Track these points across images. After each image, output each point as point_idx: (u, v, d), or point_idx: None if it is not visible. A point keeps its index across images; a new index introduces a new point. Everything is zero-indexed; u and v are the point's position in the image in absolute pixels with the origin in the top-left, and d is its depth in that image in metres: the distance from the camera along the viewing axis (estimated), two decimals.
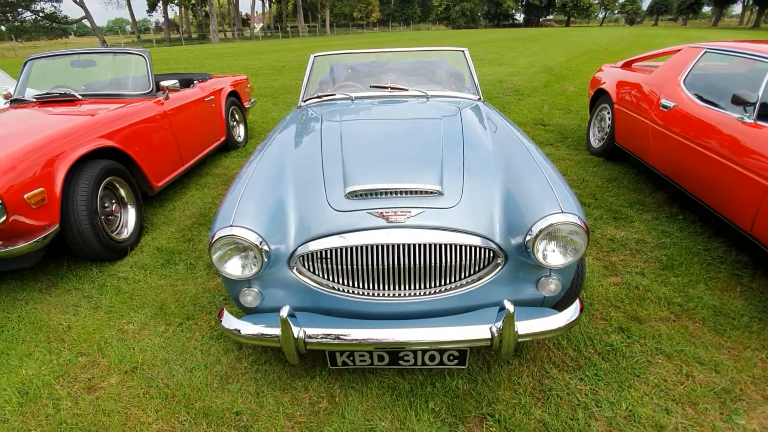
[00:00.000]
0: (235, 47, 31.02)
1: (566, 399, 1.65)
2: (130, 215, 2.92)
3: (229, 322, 1.60)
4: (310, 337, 1.49)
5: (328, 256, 1.57)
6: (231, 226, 1.51)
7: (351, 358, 1.62)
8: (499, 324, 1.44)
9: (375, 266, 1.54)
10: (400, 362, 1.61)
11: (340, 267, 1.57)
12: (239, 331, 1.57)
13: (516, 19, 78.50)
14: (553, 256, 1.50)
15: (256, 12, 67.90)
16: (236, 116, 5.05)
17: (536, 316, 1.54)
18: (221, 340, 1.99)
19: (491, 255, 1.58)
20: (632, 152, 3.50)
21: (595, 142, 4.34)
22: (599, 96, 4.16)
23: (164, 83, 3.41)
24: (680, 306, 2.13)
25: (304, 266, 1.62)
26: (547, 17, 77.57)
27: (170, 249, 2.83)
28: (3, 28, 41.98)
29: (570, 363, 1.82)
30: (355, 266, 1.55)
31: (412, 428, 1.55)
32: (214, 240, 1.50)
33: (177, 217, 3.33)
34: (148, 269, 2.61)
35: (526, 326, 1.49)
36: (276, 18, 69.35)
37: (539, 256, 1.48)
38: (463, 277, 1.59)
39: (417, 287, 1.59)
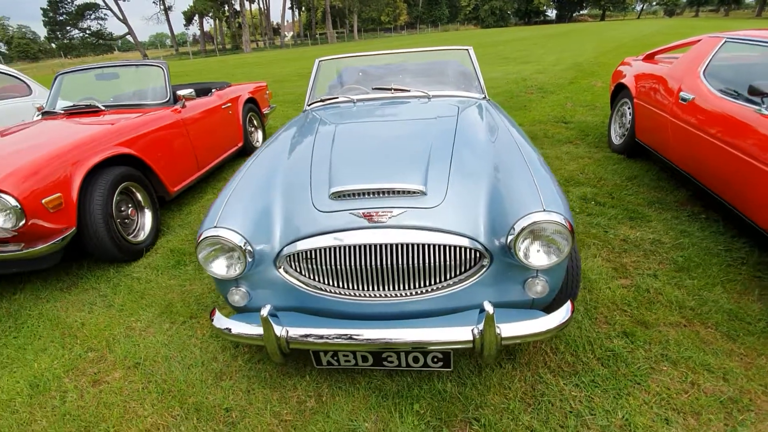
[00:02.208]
0: (265, 56, 31.96)
1: (558, 405, 1.59)
2: (147, 218, 3.07)
3: (220, 321, 1.64)
4: (292, 336, 1.51)
5: (312, 256, 1.58)
6: (215, 227, 1.56)
7: (335, 358, 1.62)
8: (481, 326, 1.41)
9: (357, 266, 1.54)
10: (384, 363, 1.60)
11: (324, 267, 1.58)
12: (229, 330, 1.61)
13: (548, 16, 76.39)
14: (536, 256, 1.45)
15: (287, 21, 69.73)
16: (254, 122, 5.19)
17: (522, 319, 1.50)
18: (219, 339, 2.05)
19: (476, 255, 1.54)
20: (653, 148, 3.33)
21: (616, 139, 4.16)
22: (620, 90, 3.99)
23: (180, 92, 3.56)
24: (693, 310, 2.00)
25: (291, 266, 1.64)
26: (581, 12, 74.93)
27: (182, 251, 2.94)
28: (54, 45, 45.20)
29: (566, 368, 1.75)
30: (338, 266, 1.56)
31: (395, 430, 1.54)
32: (200, 240, 1.55)
33: (192, 220, 3.46)
34: (160, 270, 2.72)
35: (510, 329, 1.45)
36: (305, 26, 70.95)
37: (521, 255, 1.44)
38: (447, 278, 1.57)
39: (400, 288, 1.57)
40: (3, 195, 2.10)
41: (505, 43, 21.85)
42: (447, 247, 1.52)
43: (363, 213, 1.56)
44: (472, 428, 1.53)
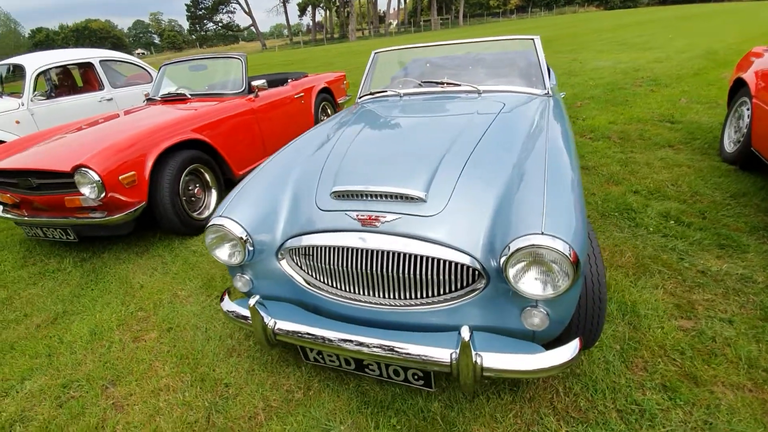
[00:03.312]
0: (367, 44, 32.82)
1: None
2: (213, 197, 3.40)
3: (226, 303, 1.76)
4: (279, 329, 1.56)
5: (308, 253, 1.60)
6: (221, 216, 1.65)
7: (321, 357, 1.63)
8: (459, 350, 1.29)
9: (348, 269, 1.52)
10: (366, 370, 1.57)
11: (319, 265, 1.59)
12: (230, 313, 1.72)
13: None
14: (529, 283, 1.27)
15: (393, 9, 70.51)
16: (328, 111, 5.39)
17: (513, 351, 1.34)
18: None
19: (472, 273, 1.41)
20: None
21: (729, 146, 3.42)
22: (739, 87, 3.25)
23: (254, 83, 3.84)
24: (767, 372, 1.58)
25: (293, 260, 1.68)
26: None
27: None
28: (194, 37, 52.09)
29: (575, 414, 1.52)
30: (331, 266, 1.56)
31: None
32: (206, 227, 1.67)
33: None
34: None
35: (493, 360, 1.31)
36: (411, 13, 70.97)
37: (511, 279, 1.27)
38: (438, 293, 1.46)
39: (389, 296, 1.51)
40: (89, 171, 2.50)
41: (628, 27, 19.28)
42: (437, 261, 1.41)
43: (357, 215, 1.53)
44: None
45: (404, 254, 1.44)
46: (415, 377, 1.49)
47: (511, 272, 1.27)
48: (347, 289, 1.57)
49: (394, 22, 73.47)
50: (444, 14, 65.47)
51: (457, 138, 1.85)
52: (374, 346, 1.41)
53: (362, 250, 1.48)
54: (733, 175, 3.17)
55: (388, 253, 1.45)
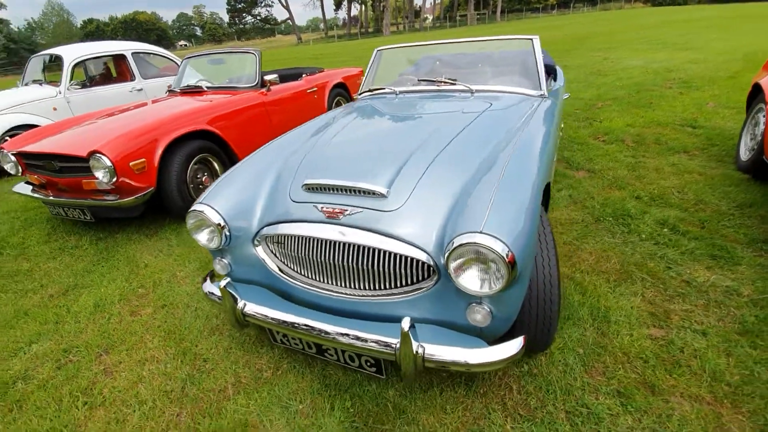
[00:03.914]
0: (399, 39, 32.74)
1: None
2: None
3: (206, 285, 1.90)
4: (248, 311, 1.67)
5: (279, 241, 1.70)
6: (201, 203, 1.78)
7: (287, 339, 1.73)
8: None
9: (312, 258, 1.61)
10: (326, 355, 1.66)
11: (289, 254, 1.69)
12: (208, 294, 1.86)
13: None
14: (468, 280, 1.32)
15: (428, 3, 69.74)
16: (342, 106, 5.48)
17: (456, 344, 1.39)
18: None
19: (423, 268, 1.47)
20: None
21: (744, 154, 3.26)
22: (757, 93, 3.09)
23: (266, 77, 3.99)
24: (730, 387, 1.55)
25: (268, 247, 1.79)
26: None
27: None
28: (233, 30, 53.57)
29: (523, 412, 1.55)
30: (298, 255, 1.65)
31: (320, 419, 1.60)
32: (188, 212, 1.79)
33: None
34: None
35: (435, 351, 1.37)
36: (447, 8, 70.02)
37: (452, 275, 1.32)
38: (393, 286, 1.53)
39: (349, 286, 1.60)
40: (102, 156, 2.70)
41: (671, 25, 18.33)
42: (391, 254, 1.48)
43: (323, 208, 1.61)
44: None
45: (362, 246, 1.51)
46: (368, 364, 1.57)
47: (452, 268, 1.32)
48: (313, 278, 1.67)
49: (430, 17, 72.73)
50: (481, 9, 64.22)
51: (431, 136, 1.90)
52: (329, 332, 1.49)
53: (324, 241, 1.57)
54: (744, 185, 3.03)
55: (347, 244, 1.53)
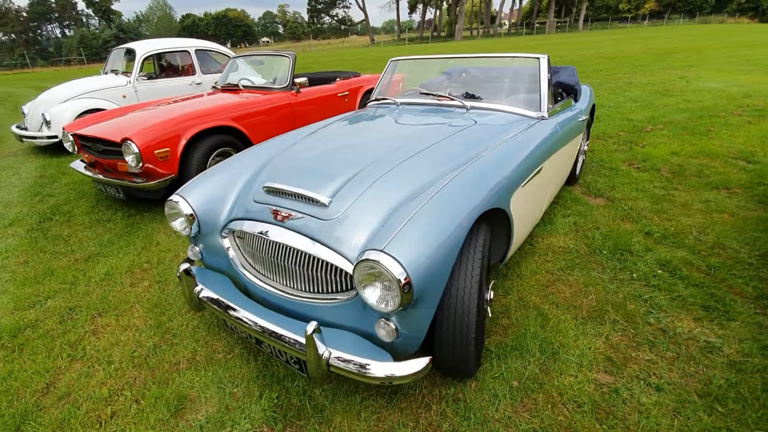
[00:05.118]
0: (469, 45, 32.27)
1: None
2: None
3: (180, 267, 2.11)
4: (202, 296, 1.84)
5: (240, 236, 1.87)
6: (176, 194, 1.98)
7: (234, 327, 1.88)
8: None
9: (260, 254, 1.76)
10: (262, 346, 1.78)
11: (247, 248, 1.85)
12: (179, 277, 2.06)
13: None
14: (370, 294, 1.37)
15: (505, 10, 67.78)
16: None
17: (362, 355, 1.45)
18: None
19: (346, 276, 1.55)
20: None
21: None
22: None
23: (296, 80, 4.22)
24: None
25: (234, 241, 1.96)
26: None
27: None
28: (310, 29, 56.10)
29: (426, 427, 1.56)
30: (252, 251, 1.81)
31: (245, 405, 1.72)
32: (166, 201, 2.01)
33: None
34: None
35: (339, 357, 1.43)
36: (526, 14, 67.64)
37: (357, 286, 1.38)
38: (321, 290, 1.62)
39: (288, 285, 1.71)
40: (132, 144, 3.06)
41: (765, 45, 16.26)
42: (319, 260, 1.57)
43: (273, 210, 1.74)
44: None
45: (295, 249, 1.62)
46: (293, 360, 1.66)
47: (356, 280, 1.37)
48: (264, 274, 1.80)
49: (507, 23, 70.71)
50: (563, 17, 61.21)
51: (396, 149, 1.95)
52: (252, 325, 1.61)
53: (269, 241, 1.70)
54: None
55: (285, 246, 1.65)
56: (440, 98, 2.77)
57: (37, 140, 5.63)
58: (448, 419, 1.60)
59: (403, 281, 1.27)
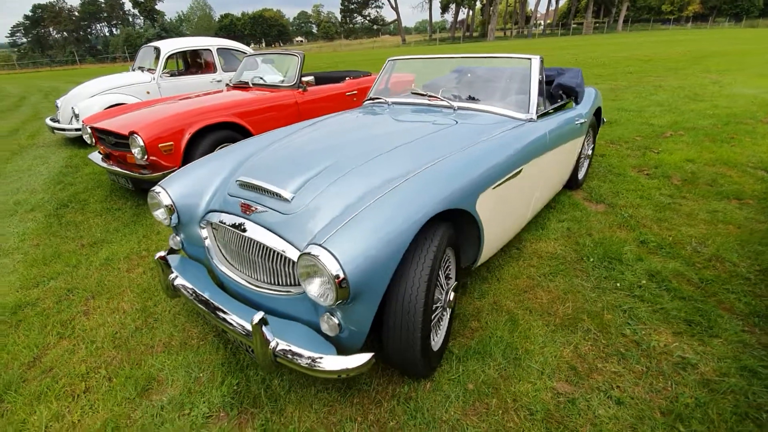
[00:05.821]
0: (501, 45, 31.71)
1: None
2: None
3: (157, 254, 2.21)
4: (176, 284, 1.92)
5: (215, 227, 1.94)
6: (158, 185, 2.08)
7: (203, 315, 1.95)
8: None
9: (228, 245, 1.83)
10: (227, 334, 1.85)
11: (221, 239, 1.92)
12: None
13: None
14: (311, 287, 1.39)
15: (541, 11, 66.10)
16: None
17: (307, 347, 1.48)
18: None
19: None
20: None
21: None
22: None
23: (304, 78, 4.30)
24: None
25: (211, 232, 2.04)
26: None
27: None
28: (342, 29, 56.72)
29: (376, 429, 1.57)
30: (223, 241, 1.88)
31: (207, 390, 1.78)
32: (149, 192, 2.11)
33: None
34: None
35: (283, 347, 1.46)
36: (563, 14, 65.80)
37: (300, 278, 1.41)
38: (279, 282, 1.67)
39: (252, 276, 1.77)
40: (137, 137, 3.22)
41: None
42: (275, 252, 1.62)
43: (241, 203, 1.80)
44: (254, 423, 1.63)
45: (255, 241, 1.67)
46: (249, 349, 1.72)
47: (299, 272, 1.40)
48: (233, 264, 1.87)
49: (542, 24, 69.03)
50: (601, 17, 59.10)
51: (371, 146, 1.97)
52: (210, 311, 1.67)
53: (235, 233, 1.76)
54: None
55: (247, 238, 1.71)
56: (430, 98, 2.77)
57: (67, 132, 6.00)
58: (395, 417, 1.61)
59: (340, 277, 1.29)
